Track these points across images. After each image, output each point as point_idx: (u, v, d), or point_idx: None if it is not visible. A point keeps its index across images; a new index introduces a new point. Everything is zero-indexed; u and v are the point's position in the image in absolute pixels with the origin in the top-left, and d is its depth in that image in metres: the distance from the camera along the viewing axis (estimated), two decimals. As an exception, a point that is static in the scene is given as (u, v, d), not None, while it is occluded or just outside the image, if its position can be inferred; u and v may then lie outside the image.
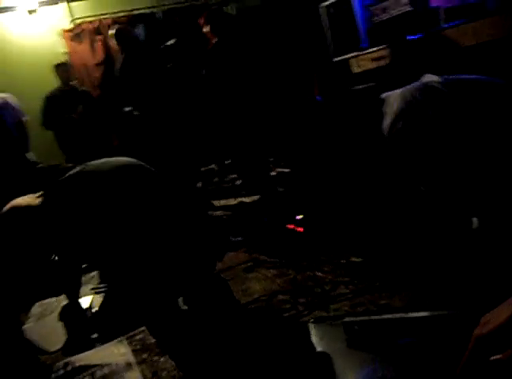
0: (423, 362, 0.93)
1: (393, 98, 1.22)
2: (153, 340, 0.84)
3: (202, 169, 4.69)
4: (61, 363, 0.85)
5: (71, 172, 1.91)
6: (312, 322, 1.68)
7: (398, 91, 1.21)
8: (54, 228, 1.79)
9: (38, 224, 1.79)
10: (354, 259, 2.15)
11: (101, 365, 0.81)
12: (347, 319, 1.18)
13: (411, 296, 1.75)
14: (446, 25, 3.45)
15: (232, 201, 4.11)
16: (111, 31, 4.18)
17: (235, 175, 5.10)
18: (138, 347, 0.83)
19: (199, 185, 4.66)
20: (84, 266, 2.57)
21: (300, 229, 2.59)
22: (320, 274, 2.15)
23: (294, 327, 1.76)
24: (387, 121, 1.22)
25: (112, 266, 1.91)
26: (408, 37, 3.54)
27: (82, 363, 0.84)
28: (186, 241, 1.87)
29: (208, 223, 2.08)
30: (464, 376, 0.58)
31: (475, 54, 2.98)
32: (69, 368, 0.84)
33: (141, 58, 3.95)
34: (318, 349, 1.33)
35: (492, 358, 0.54)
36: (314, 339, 1.57)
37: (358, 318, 1.16)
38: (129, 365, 0.78)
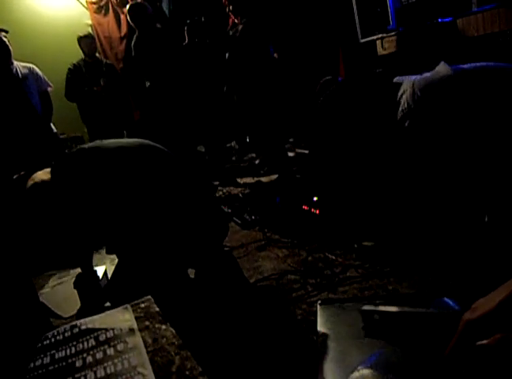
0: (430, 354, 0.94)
1: (404, 88, 1.20)
2: (157, 309, 0.87)
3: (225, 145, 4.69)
4: (67, 325, 0.88)
5: (81, 146, 1.93)
6: (320, 304, 1.70)
7: (410, 80, 1.18)
8: (62, 202, 1.82)
9: (52, 198, 1.82)
10: (366, 243, 2.14)
11: (105, 329, 0.83)
12: (366, 307, 1.19)
13: (419, 282, 1.75)
14: (477, 9, 3.34)
15: (249, 180, 4.13)
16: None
17: (253, 154, 5.11)
18: (142, 314, 0.86)
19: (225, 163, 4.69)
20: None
21: (316, 210, 2.58)
22: (331, 256, 2.16)
23: (302, 306, 1.78)
24: (398, 115, 1.21)
25: (120, 239, 1.95)
26: (439, 20, 3.44)
27: (88, 326, 0.87)
28: (191, 215, 1.90)
29: (212, 198, 2.10)
30: (451, 358, 0.59)
31: (505, 41, 2.89)
32: (75, 330, 0.87)
33: (155, 35, 3.93)
34: (324, 330, 1.35)
35: (479, 343, 0.54)
36: (320, 320, 1.59)
37: (377, 308, 1.17)
38: (131, 331, 0.81)
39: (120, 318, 0.85)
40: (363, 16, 5.33)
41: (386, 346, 1.15)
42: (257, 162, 4.71)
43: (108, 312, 0.91)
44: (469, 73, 1.12)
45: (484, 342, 0.53)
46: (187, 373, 0.66)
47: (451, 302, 1.23)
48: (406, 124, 1.20)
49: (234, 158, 5.05)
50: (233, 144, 5.18)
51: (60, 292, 2.49)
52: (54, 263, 2.96)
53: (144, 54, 3.94)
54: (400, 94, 1.21)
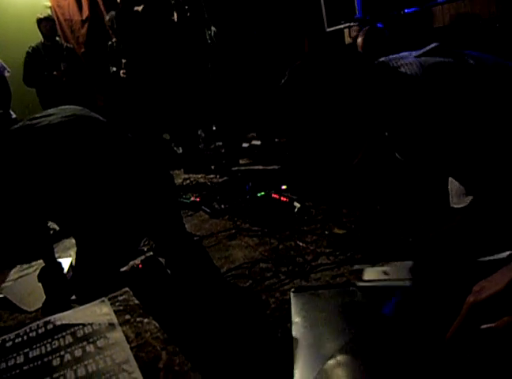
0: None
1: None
2: (136, 301, 0.83)
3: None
4: (40, 322, 0.84)
5: (15, 126, 1.87)
6: (293, 291, 1.70)
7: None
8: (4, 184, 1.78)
9: None
10: (337, 231, 2.17)
11: (82, 325, 0.79)
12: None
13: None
14: (442, 0, 3.40)
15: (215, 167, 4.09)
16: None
17: (220, 143, 5.07)
18: (121, 307, 0.82)
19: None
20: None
21: (284, 199, 2.59)
22: (302, 244, 2.17)
23: (275, 295, 1.78)
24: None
25: (69, 215, 1.93)
26: (404, 10, 3.48)
27: (63, 322, 0.83)
28: (134, 180, 1.90)
29: (155, 163, 2.11)
30: (454, 342, 0.58)
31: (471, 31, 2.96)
32: (49, 326, 0.82)
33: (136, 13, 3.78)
34: (298, 318, 1.34)
35: (484, 326, 0.54)
36: (294, 308, 1.59)
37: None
38: (111, 326, 0.77)
39: (98, 312, 0.81)
40: (330, 5, 5.33)
41: (362, 331, 1.16)
42: (222, 150, 4.68)
43: (84, 306, 0.86)
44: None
45: (492, 325, 0.53)
46: (176, 368, 0.63)
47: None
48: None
49: (200, 146, 4.98)
50: (199, 132, 5.11)
51: (23, 285, 2.39)
52: (14, 256, 2.85)
53: (124, 32, 3.78)
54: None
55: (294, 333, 1.26)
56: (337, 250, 2.02)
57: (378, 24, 2.92)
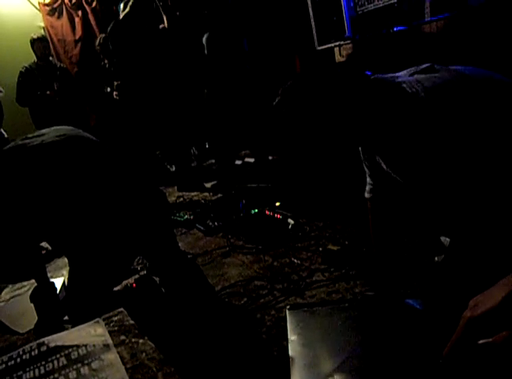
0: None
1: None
2: (132, 322, 0.82)
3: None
4: (34, 343, 0.82)
5: (7, 146, 1.87)
6: (288, 309, 1.69)
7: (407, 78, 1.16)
8: None
9: None
10: (331, 247, 2.16)
11: (77, 346, 0.78)
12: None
13: (385, 285, 1.78)
14: (430, 18, 3.47)
15: (210, 185, 4.10)
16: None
17: (213, 160, 5.08)
18: (116, 328, 0.81)
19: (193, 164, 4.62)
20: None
21: (278, 216, 2.59)
22: (297, 261, 2.16)
23: (270, 312, 1.76)
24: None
25: (60, 236, 1.92)
26: (394, 28, 3.54)
27: (57, 343, 0.81)
28: (126, 200, 1.90)
29: (147, 181, 2.12)
30: (451, 357, 0.58)
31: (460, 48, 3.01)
32: (43, 348, 0.81)
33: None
34: (294, 336, 1.34)
35: (481, 341, 0.54)
36: (290, 325, 1.58)
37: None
38: (106, 347, 0.76)
39: (92, 333, 0.80)
40: (320, 24, 5.42)
41: (359, 349, 1.16)
42: (214, 168, 4.68)
43: (78, 327, 0.85)
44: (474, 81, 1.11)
45: (489, 340, 0.53)
46: (173, 389, 0.62)
47: (417, 304, 1.26)
48: None
49: (193, 164, 4.99)
50: (192, 149, 5.12)
51: (14, 306, 2.36)
52: (4, 276, 2.81)
53: (115, 53, 3.78)
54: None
55: (291, 352, 1.26)
56: (332, 267, 2.02)
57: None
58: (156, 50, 3.79)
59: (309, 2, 5.40)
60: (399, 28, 3.69)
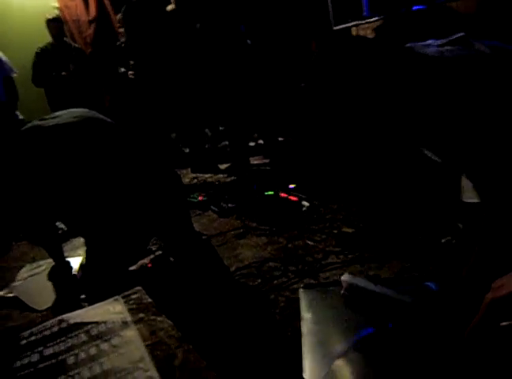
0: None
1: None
2: (149, 300, 0.84)
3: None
4: (54, 320, 0.84)
5: (26, 127, 1.89)
6: (302, 288, 1.70)
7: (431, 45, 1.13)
8: (11, 183, 1.81)
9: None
10: (345, 229, 2.16)
11: (96, 323, 0.80)
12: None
13: (399, 268, 1.77)
14: (451, -3, 3.37)
15: (223, 166, 4.10)
16: None
17: (226, 142, 5.07)
18: (134, 306, 0.82)
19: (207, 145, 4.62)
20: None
21: (292, 198, 2.58)
22: (311, 243, 2.16)
23: (284, 293, 1.77)
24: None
25: (78, 216, 1.95)
26: (413, 7, 3.46)
27: (77, 320, 0.83)
28: (142, 181, 1.93)
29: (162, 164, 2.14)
30: (473, 339, 0.57)
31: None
32: (63, 325, 0.82)
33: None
34: (307, 315, 1.34)
35: (504, 323, 0.53)
36: (303, 305, 1.59)
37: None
38: (125, 324, 0.77)
39: (111, 310, 0.81)
40: (337, 3, 5.32)
41: (368, 327, 1.16)
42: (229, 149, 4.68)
43: (97, 304, 0.87)
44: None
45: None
46: (192, 367, 0.63)
47: (435, 287, 1.25)
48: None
49: (207, 146, 4.99)
50: (206, 131, 5.11)
51: (33, 284, 2.40)
52: (22, 255, 2.87)
53: (132, 31, 3.76)
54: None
55: (303, 329, 1.26)
56: (346, 249, 2.02)
57: None
58: (167, 30, 3.77)
59: (326, -19, 5.29)
60: (418, 7, 3.60)
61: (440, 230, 1.90)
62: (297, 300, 1.62)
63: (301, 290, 1.63)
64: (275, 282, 1.88)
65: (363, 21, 4.04)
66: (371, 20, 4.09)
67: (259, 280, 1.93)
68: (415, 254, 1.81)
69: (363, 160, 2.09)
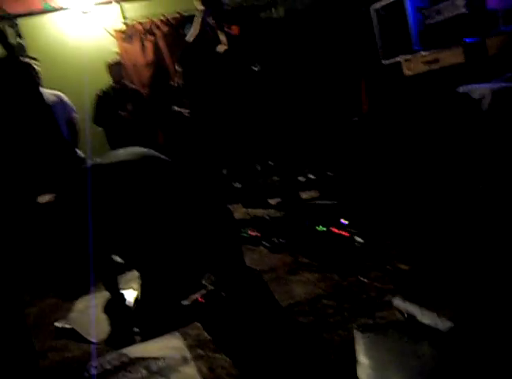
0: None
1: (480, 94, 1.15)
2: (208, 336, 0.83)
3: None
4: (115, 354, 0.85)
5: (86, 164, 1.98)
6: (357, 329, 1.64)
7: (486, 87, 1.13)
8: (72, 220, 1.88)
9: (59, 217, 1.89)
10: (402, 266, 2.08)
11: (156, 358, 0.80)
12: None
13: (459, 309, 1.68)
14: (504, 28, 3.31)
15: (274, 201, 4.10)
16: None
17: (277, 177, 5.10)
18: (193, 342, 0.82)
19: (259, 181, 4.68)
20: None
21: (345, 233, 2.54)
22: (366, 280, 2.10)
23: (338, 332, 1.72)
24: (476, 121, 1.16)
25: (133, 252, 2.00)
26: (465, 40, 3.42)
27: (137, 355, 0.84)
28: (197, 223, 1.97)
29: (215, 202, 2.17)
30: None
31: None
32: (124, 359, 0.84)
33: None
34: (364, 359, 1.29)
35: None
36: (360, 346, 1.53)
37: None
38: (184, 360, 0.77)
39: (170, 346, 0.81)
40: (385, 37, 5.35)
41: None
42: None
43: (155, 339, 0.88)
44: None
45: None
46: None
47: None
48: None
49: (258, 181, 5.03)
50: (257, 166, 5.17)
51: (88, 316, 2.46)
52: (79, 287, 2.95)
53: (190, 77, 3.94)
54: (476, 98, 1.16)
55: (361, 375, 1.21)
56: (403, 287, 1.94)
57: None
58: (220, 69, 3.91)
59: (373, 16, 5.35)
60: (471, 39, 3.55)
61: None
62: (352, 340, 1.57)
63: (357, 330, 1.57)
64: (329, 320, 1.83)
65: (414, 55, 4.01)
66: (423, 53, 4.06)
67: (312, 318, 1.88)
68: (477, 296, 1.71)
69: (420, 194, 2.03)
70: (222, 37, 3.86)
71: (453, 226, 2.14)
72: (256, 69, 3.75)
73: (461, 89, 1.20)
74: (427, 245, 2.22)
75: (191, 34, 3.83)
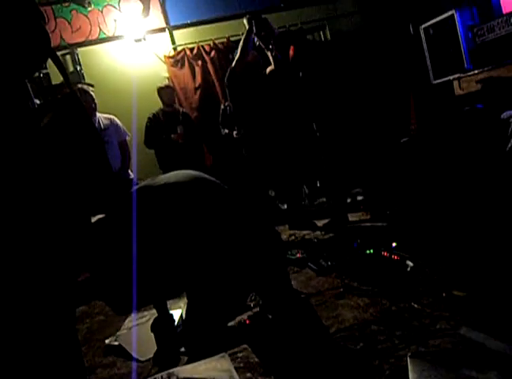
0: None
1: None
2: (256, 359, 0.82)
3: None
4: (164, 373, 0.85)
5: (137, 186, 2.02)
6: (411, 356, 1.57)
7: None
8: (117, 242, 1.91)
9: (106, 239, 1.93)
10: (456, 293, 1.99)
11: (205, 379, 0.80)
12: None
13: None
14: None
15: (321, 223, 4.06)
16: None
17: (324, 199, 5.06)
18: (241, 364, 0.81)
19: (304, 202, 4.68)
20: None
21: (395, 257, 2.46)
22: (417, 306, 2.02)
23: (389, 360, 1.65)
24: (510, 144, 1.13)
25: (180, 273, 2.01)
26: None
27: (186, 375, 0.84)
28: (245, 244, 1.97)
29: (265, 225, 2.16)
30: None
31: None
32: (173, 378, 0.84)
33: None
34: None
35: None
36: (412, 375, 1.47)
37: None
38: (233, 383, 0.77)
39: (218, 367, 0.81)
40: (435, 57, 5.27)
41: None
42: (325, 206, 4.67)
43: (204, 360, 0.87)
44: None
45: None
46: None
47: None
48: None
49: (304, 202, 5.01)
50: (303, 188, 5.16)
51: (136, 334, 2.50)
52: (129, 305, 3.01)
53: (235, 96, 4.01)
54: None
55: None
56: (458, 315, 1.85)
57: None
58: (268, 91, 3.95)
59: (423, 35, 5.29)
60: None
61: None
62: (405, 368, 1.50)
63: (409, 358, 1.51)
64: (379, 347, 1.76)
65: (466, 74, 3.91)
66: (475, 72, 3.96)
67: (361, 344, 1.82)
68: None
69: (474, 217, 1.95)
70: (270, 58, 3.91)
71: (509, 251, 2.03)
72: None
73: (504, 115, 1.17)
74: (482, 270, 2.11)
75: (236, 55, 3.90)
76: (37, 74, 4.67)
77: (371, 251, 2.62)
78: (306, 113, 3.88)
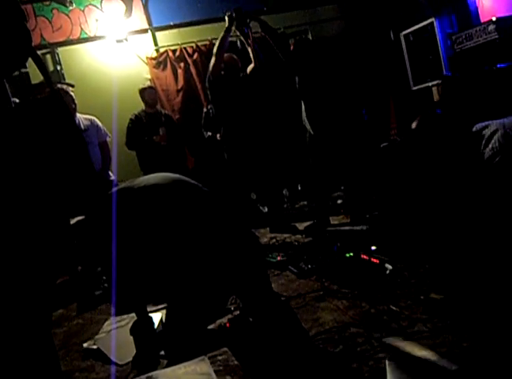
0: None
1: (493, 129, 1.17)
2: (236, 362, 0.82)
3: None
4: (143, 377, 0.85)
5: (116, 188, 2.02)
6: (389, 359, 1.59)
7: (500, 122, 1.15)
8: (98, 241, 1.91)
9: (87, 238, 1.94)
10: (434, 296, 2.02)
11: (184, 384, 0.79)
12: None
13: (497, 339, 1.61)
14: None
15: (302, 226, 4.07)
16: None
17: (305, 202, 5.09)
18: (221, 367, 0.81)
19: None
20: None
21: (375, 260, 2.49)
22: (396, 309, 2.05)
23: (368, 363, 1.67)
24: (487, 153, 1.18)
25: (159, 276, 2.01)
26: (497, 65, 3.38)
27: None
28: (223, 247, 1.97)
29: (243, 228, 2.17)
30: None
31: None
32: (151, 382, 0.83)
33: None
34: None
35: None
36: (391, 377, 1.49)
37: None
38: (212, 386, 0.77)
39: (198, 371, 0.80)
40: (415, 63, 5.37)
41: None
42: (306, 209, 4.69)
43: (184, 363, 0.87)
44: None
45: None
46: None
47: None
48: (496, 160, 1.17)
49: (285, 205, 5.03)
50: (284, 191, 5.18)
51: (115, 338, 2.47)
52: (107, 308, 2.98)
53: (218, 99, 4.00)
54: (488, 134, 1.19)
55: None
56: (435, 317, 1.88)
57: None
58: (250, 92, 3.96)
59: (403, 42, 5.38)
60: (502, 64, 3.52)
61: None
62: (383, 370, 1.52)
63: (388, 361, 1.53)
64: (358, 349, 1.78)
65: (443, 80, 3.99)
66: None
67: (341, 347, 1.84)
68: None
69: (454, 221, 1.98)
70: (251, 55, 3.91)
71: (488, 255, 2.08)
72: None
73: (477, 127, 1.22)
74: (459, 274, 2.15)
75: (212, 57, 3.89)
76: (16, 73, 4.59)
77: (351, 254, 2.64)
78: (285, 116, 3.90)
